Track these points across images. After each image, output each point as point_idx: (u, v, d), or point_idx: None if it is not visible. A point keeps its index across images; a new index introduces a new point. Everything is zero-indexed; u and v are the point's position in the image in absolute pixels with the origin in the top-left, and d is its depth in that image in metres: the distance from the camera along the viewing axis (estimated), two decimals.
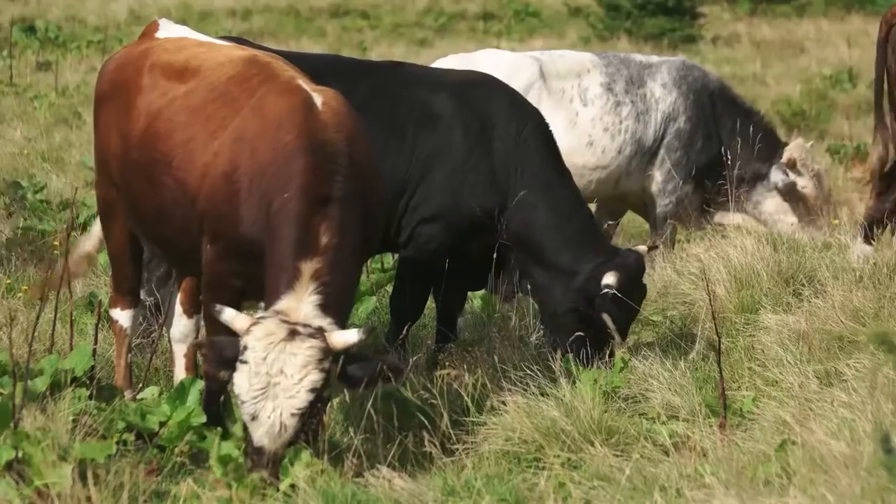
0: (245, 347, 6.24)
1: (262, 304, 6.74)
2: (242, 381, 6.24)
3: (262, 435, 6.24)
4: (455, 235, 8.33)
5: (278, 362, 6.21)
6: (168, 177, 6.96)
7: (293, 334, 6.23)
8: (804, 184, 11.80)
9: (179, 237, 7.03)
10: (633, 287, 8.30)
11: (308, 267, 6.35)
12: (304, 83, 6.84)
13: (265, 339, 6.23)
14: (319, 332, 6.27)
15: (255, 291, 6.68)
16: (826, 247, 10.43)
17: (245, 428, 6.32)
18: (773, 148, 11.88)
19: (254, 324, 6.28)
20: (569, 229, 8.41)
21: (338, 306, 6.41)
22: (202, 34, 7.78)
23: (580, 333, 8.19)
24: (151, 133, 7.09)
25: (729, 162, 11.44)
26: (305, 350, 6.23)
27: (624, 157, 11.45)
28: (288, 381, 6.21)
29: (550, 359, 7.90)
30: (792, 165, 11.76)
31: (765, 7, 32.77)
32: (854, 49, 25.61)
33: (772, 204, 11.84)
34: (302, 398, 6.22)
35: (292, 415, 6.21)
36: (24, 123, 17.40)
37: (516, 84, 9.48)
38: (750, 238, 10.02)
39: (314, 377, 6.23)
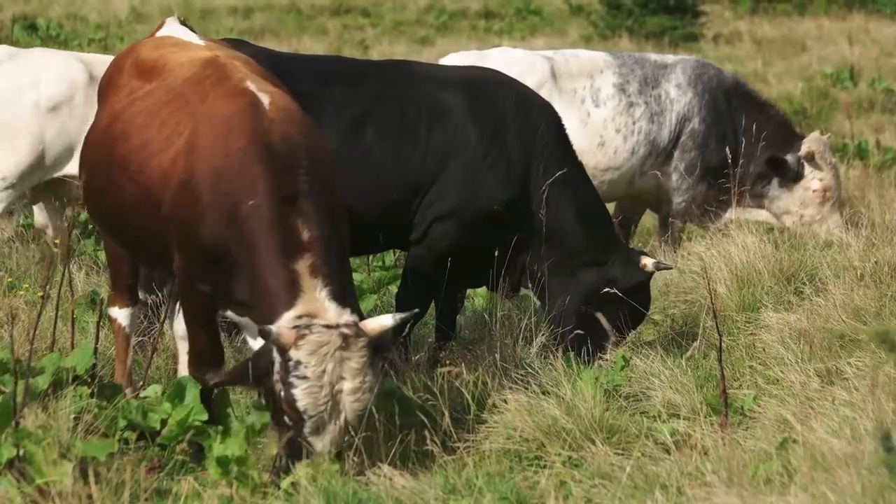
0: (298, 363, 6.19)
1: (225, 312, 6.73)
2: (306, 398, 6.20)
3: (327, 444, 6.28)
4: (469, 232, 8.33)
5: (337, 370, 6.20)
6: (127, 181, 6.89)
7: (344, 339, 6.22)
8: (823, 176, 11.79)
9: (144, 239, 6.98)
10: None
11: (303, 266, 6.31)
12: (252, 84, 6.75)
13: (320, 351, 6.19)
14: (356, 327, 6.28)
15: (222, 297, 6.63)
16: (827, 245, 10.43)
17: (286, 435, 6.28)
18: (790, 142, 11.86)
19: (299, 337, 6.21)
20: (595, 221, 8.54)
21: (345, 294, 6.40)
22: (198, 33, 7.75)
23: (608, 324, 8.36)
24: (110, 134, 7.06)
25: (731, 159, 11.40)
26: (359, 352, 6.25)
27: (637, 158, 11.43)
28: (350, 384, 6.23)
29: (553, 356, 7.91)
30: (810, 158, 11.73)
31: (766, 5, 32.69)
32: (855, 47, 25.57)
33: (789, 199, 11.82)
34: (365, 399, 6.28)
35: (357, 416, 6.28)
36: None
37: (527, 83, 9.47)
38: (751, 236, 10.03)
39: (370, 376, 6.28)
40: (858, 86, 21.93)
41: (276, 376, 6.27)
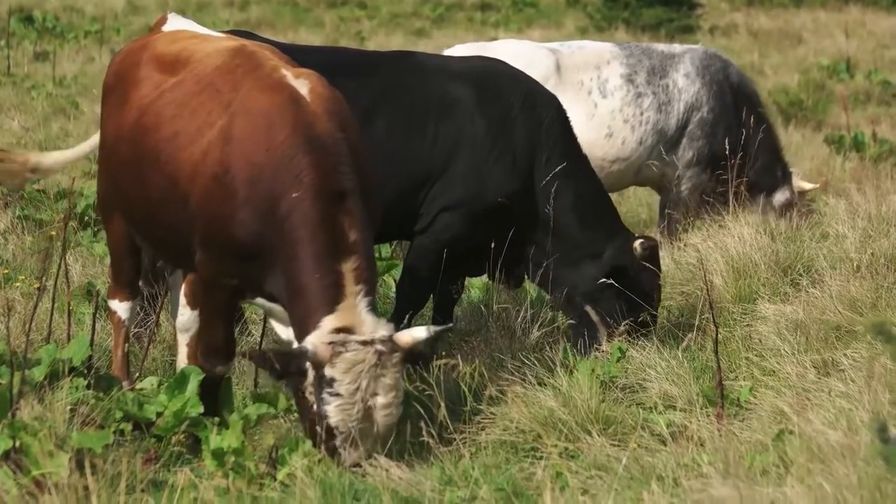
0: (332, 379, 6.22)
1: (255, 299, 6.72)
2: (339, 415, 6.25)
3: (358, 457, 6.31)
4: (474, 224, 8.35)
5: (371, 387, 6.25)
6: (157, 174, 6.85)
7: (379, 356, 6.25)
8: (803, 206, 12.01)
9: (170, 234, 6.95)
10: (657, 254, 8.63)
11: (347, 268, 6.31)
12: (287, 73, 6.71)
13: (354, 369, 6.22)
14: (391, 342, 6.31)
15: (250, 288, 6.64)
16: (824, 237, 10.43)
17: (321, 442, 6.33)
18: (781, 165, 12.00)
19: (335, 354, 6.23)
20: (596, 214, 8.53)
21: (375, 301, 6.42)
22: (201, 26, 7.74)
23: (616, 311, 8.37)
24: (140, 127, 7.00)
25: (729, 151, 11.41)
26: (392, 369, 6.29)
27: (645, 148, 11.43)
28: (383, 399, 6.27)
29: (551, 351, 7.91)
30: (806, 195, 11.98)
31: None
32: (852, 39, 25.57)
33: (768, 214, 11.90)
34: (396, 413, 6.34)
35: (388, 428, 6.33)
36: (21, 113, 17.38)
37: (531, 76, 9.47)
38: (748, 228, 10.03)
39: (401, 390, 6.34)
40: (855, 78, 21.94)
41: (309, 388, 6.31)
